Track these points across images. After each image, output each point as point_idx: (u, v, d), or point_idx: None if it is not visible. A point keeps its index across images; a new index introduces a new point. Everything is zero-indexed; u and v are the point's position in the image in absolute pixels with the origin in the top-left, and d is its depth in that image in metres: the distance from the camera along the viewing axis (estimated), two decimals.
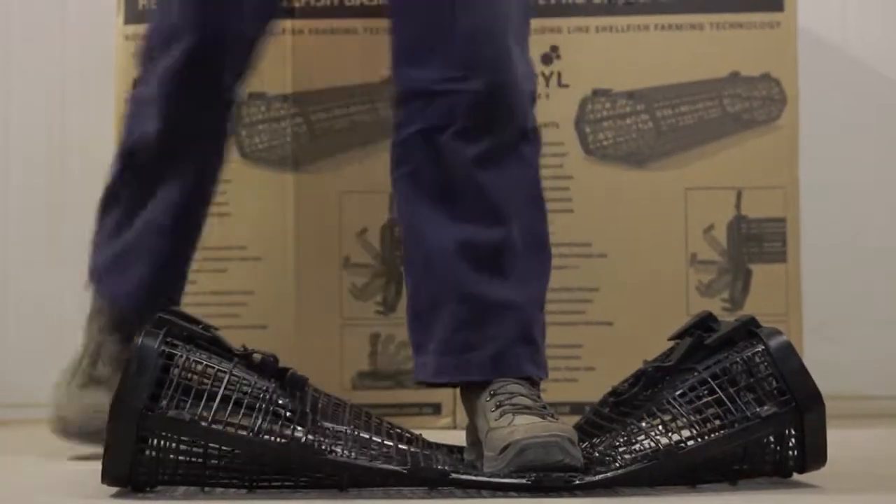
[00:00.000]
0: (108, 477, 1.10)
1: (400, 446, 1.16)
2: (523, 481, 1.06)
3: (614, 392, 1.26)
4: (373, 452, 1.11)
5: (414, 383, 1.37)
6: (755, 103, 1.90)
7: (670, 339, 1.26)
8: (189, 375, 1.11)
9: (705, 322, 1.29)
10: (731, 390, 1.13)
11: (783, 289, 1.90)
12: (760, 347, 1.17)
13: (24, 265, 2.07)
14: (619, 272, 1.83)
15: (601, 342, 1.73)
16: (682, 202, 1.89)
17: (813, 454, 1.12)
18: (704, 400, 1.13)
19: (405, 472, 1.09)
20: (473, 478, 1.09)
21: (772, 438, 1.11)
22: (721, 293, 1.90)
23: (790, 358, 1.16)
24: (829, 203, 2.07)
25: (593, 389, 1.44)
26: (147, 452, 1.08)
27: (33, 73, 2.26)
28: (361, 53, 1.82)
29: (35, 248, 2.08)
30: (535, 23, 1.74)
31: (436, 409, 1.85)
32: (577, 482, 1.07)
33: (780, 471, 1.13)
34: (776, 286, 1.88)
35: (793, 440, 1.11)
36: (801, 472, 1.13)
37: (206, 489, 1.16)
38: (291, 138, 1.81)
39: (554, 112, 1.86)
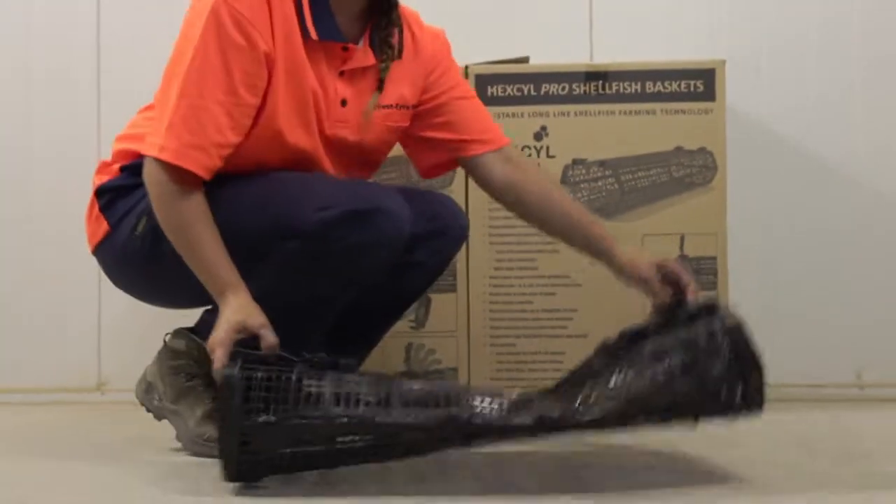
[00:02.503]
0: (225, 476, 1.33)
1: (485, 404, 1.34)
2: None
3: (604, 346, 1.47)
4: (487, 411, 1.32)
5: None
6: (694, 170, 2.17)
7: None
8: (266, 386, 1.31)
9: (677, 303, 1.53)
10: (694, 351, 1.33)
11: None
12: (718, 323, 1.37)
13: None
14: (592, 297, 2.09)
15: (579, 351, 1.79)
16: (639, 245, 2.15)
17: (754, 404, 1.34)
18: (673, 357, 1.33)
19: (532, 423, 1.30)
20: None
21: (724, 389, 1.32)
22: None
23: (741, 331, 1.36)
24: (750, 246, 2.36)
25: None
26: (249, 453, 1.31)
27: None
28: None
29: None
30: (528, 108, 2.16)
31: None
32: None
33: (727, 415, 1.35)
34: None
35: (739, 392, 1.32)
36: (745, 416, 1.35)
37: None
38: None
39: None
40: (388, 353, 2.13)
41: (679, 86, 2.16)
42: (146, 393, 1.85)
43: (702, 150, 2.16)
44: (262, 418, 1.31)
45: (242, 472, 1.35)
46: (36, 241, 2.53)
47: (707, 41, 2.42)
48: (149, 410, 1.85)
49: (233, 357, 1.38)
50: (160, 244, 1.65)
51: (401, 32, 1.74)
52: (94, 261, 1.90)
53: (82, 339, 2.52)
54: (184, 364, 1.79)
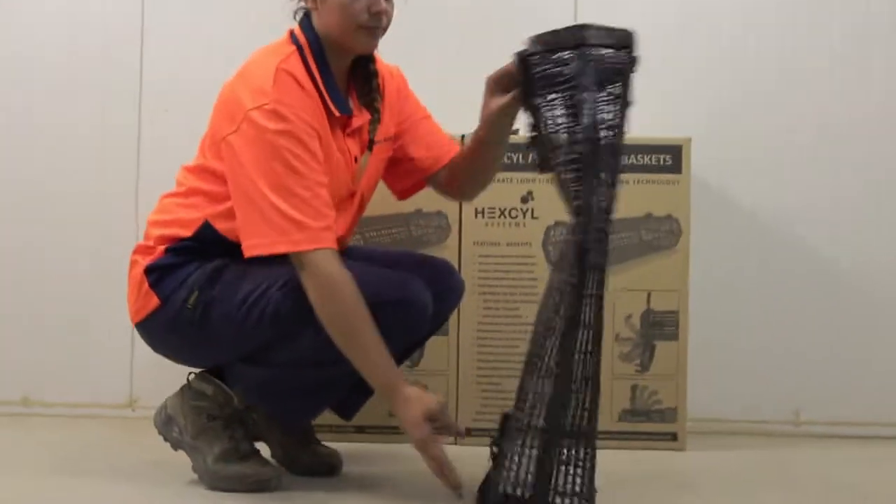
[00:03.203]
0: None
1: None
2: None
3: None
4: None
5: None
6: (661, 234, 2.32)
7: None
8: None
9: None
10: None
11: (675, 357, 2.33)
12: None
13: None
14: None
15: None
16: (611, 300, 2.20)
17: None
18: None
19: None
20: None
21: None
22: (635, 360, 2.34)
23: None
24: (709, 302, 2.52)
25: None
26: None
27: None
28: None
29: None
30: (516, 175, 2.31)
31: None
32: None
33: None
34: (671, 355, 2.33)
35: None
36: None
37: None
38: None
39: (527, 235, 2.32)
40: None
41: (650, 159, 2.33)
42: (165, 424, 1.98)
43: (669, 216, 2.34)
44: None
45: None
46: (72, 265, 2.68)
47: (675, 119, 2.58)
48: (166, 440, 1.98)
49: None
50: (209, 314, 1.83)
51: (379, 86, 1.96)
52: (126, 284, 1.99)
53: (116, 360, 2.68)
54: (207, 406, 1.93)
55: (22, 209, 2.70)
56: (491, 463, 1.63)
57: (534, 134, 1.59)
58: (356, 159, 1.92)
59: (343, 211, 1.93)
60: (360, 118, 1.92)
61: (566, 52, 1.56)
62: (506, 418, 1.61)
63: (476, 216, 2.37)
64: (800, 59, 2.66)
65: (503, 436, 1.61)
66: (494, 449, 1.61)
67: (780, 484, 2.04)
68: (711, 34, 2.67)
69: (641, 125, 2.42)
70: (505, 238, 2.34)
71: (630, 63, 1.57)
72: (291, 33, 1.89)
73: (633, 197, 2.32)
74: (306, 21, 1.89)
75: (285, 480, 1.94)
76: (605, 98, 1.54)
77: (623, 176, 2.25)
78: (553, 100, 1.57)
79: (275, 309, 1.79)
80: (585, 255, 1.51)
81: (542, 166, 1.59)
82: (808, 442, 2.50)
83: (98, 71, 2.69)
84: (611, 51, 1.55)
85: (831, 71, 2.65)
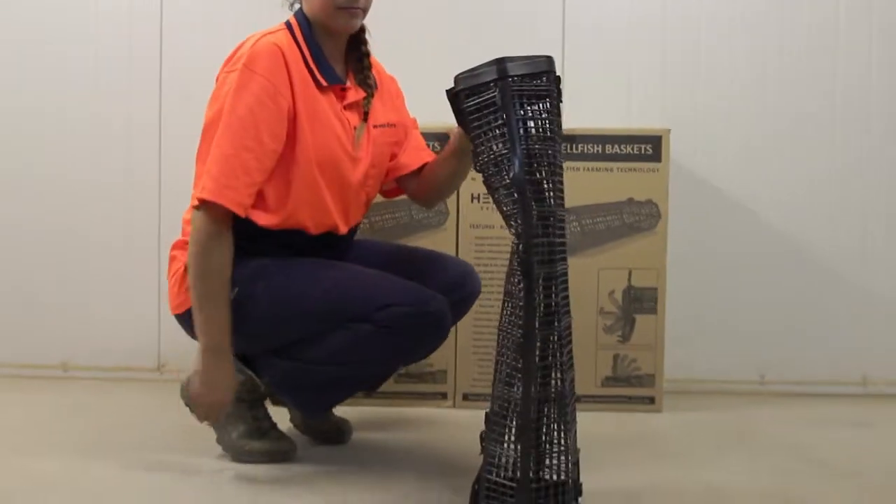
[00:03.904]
0: None
1: None
2: None
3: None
4: None
5: None
6: (642, 217, 2.48)
7: None
8: None
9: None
10: None
11: (654, 329, 2.52)
12: None
13: None
14: None
15: None
16: (595, 277, 2.49)
17: None
18: None
19: None
20: None
21: None
22: (617, 332, 2.50)
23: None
24: (684, 279, 2.70)
25: None
26: None
27: None
28: None
29: None
30: None
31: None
32: None
33: None
34: (650, 327, 2.52)
35: None
36: None
37: None
38: None
39: None
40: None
41: (632, 149, 2.48)
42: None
43: (649, 201, 2.49)
44: None
45: None
46: (103, 240, 2.86)
47: (658, 112, 2.77)
48: (192, 412, 2.04)
49: None
50: (247, 311, 1.93)
51: (370, 66, 2.10)
52: (155, 257, 2.22)
53: (145, 329, 2.85)
54: (236, 390, 2.03)
55: (56, 195, 2.88)
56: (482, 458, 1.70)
57: (476, 163, 1.66)
58: (355, 128, 2.05)
59: (348, 180, 2.03)
60: (356, 94, 2.07)
61: (489, 87, 1.62)
62: (487, 417, 1.67)
63: (472, 201, 2.54)
64: (772, 54, 2.81)
65: (486, 433, 1.68)
66: (482, 444, 1.69)
67: (744, 443, 2.27)
68: (690, 28, 2.81)
69: (620, 118, 2.73)
70: (499, 221, 2.34)
71: (551, 87, 1.62)
72: (286, 21, 2.06)
73: (616, 183, 2.48)
74: (299, 10, 2.06)
75: (300, 451, 2.12)
76: (534, 120, 1.59)
77: (608, 164, 2.46)
78: (486, 131, 1.63)
79: (308, 310, 1.93)
80: (530, 269, 1.58)
81: (489, 190, 1.66)
82: (771, 400, 2.73)
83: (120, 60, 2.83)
84: (530, 79, 1.60)
85: (799, 65, 2.80)
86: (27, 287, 2.89)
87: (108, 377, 2.85)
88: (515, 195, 1.58)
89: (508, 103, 1.58)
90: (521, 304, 1.58)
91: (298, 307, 1.95)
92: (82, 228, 2.88)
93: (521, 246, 1.57)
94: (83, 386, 2.80)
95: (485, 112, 1.62)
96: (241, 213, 1.90)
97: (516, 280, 1.60)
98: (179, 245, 2.08)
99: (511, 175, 1.58)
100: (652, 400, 2.57)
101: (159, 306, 2.85)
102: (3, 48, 2.88)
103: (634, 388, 2.56)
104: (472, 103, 1.64)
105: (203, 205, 1.89)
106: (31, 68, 2.87)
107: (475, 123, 1.63)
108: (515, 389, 1.60)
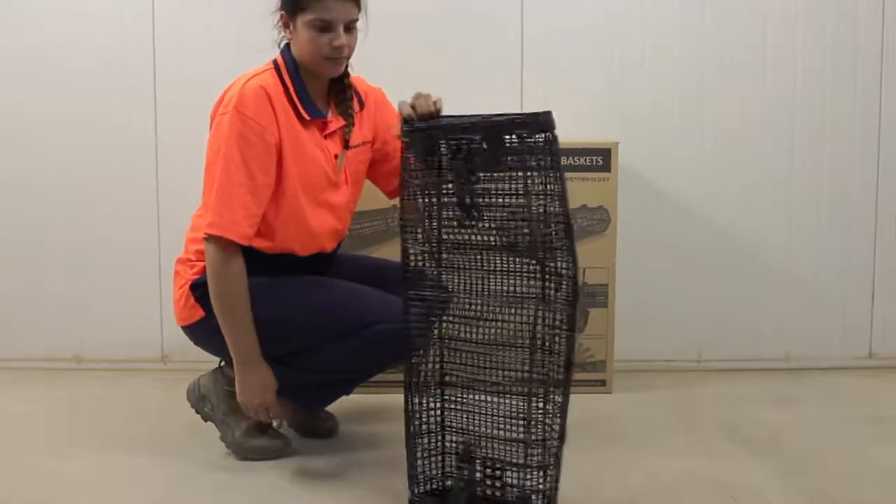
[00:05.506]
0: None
1: None
2: None
3: None
4: None
5: None
6: (594, 222, 2.65)
7: None
8: None
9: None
10: None
11: (605, 320, 2.73)
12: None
13: None
14: None
15: None
16: None
17: None
18: None
19: None
20: None
21: None
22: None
23: None
24: (631, 276, 2.87)
25: None
26: None
27: None
28: None
29: None
30: None
31: None
32: None
33: None
34: (602, 319, 2.73)
35: None
36: None
37: None
38: None
39: None
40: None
41: (585, 160, 2.64)
42: (199, 401, 2.25)
43: (600, 207, 2.66)
44: None
45: None
46: (105, 238, 2.94)
47: (607, 124, 2.93)
48: (198, 413, 2.25)
49: None
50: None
51: (352, 97, 2.21)
52: (156, 257, 2.32)
53: (149, 324, 2.96)
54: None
55: (61, 195, 2.97)
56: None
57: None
58: (336, 156, 2.16)
59: (331, 203, 2.16)
60: (337, 123, 2.17)
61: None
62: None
63: None
64: (713, 65, 2.97)
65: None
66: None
67: (683, 422, 2.54)
68: (633, 39, 2.96)
69: (577, 126, 2.84)
70: None
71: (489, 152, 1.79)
72: (274, 60, 2.16)
73: (570, 191, 2.40)
74: (286, 48, 2.17)
75: (294, 447, 2.29)
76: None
77: (567, 175, 2.52)
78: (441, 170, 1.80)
79: (301, 326, 2.07)
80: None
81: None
82: (706, 377, 2.99)
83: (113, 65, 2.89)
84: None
85: (731, 79, 2.99)
86: (36, 285, 2.98)
87: (117, 368, 2.98)
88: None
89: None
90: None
91: (293, 323, 2.07)
92: (87, 229, 2.96)
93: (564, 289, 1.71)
94: (95, 377, 2.94)
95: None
96: (244, 242, 2.06)
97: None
98: (182, 261, 2.20)
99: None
100: (604, 382, 2.82)
101: (160, 303, 2.98)
102: (3, 50, 2.93)
103: (589, 373, 2.80)
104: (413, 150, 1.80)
105: (211, 238, 2.05)
106: (29, 77, 2.92)
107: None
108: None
